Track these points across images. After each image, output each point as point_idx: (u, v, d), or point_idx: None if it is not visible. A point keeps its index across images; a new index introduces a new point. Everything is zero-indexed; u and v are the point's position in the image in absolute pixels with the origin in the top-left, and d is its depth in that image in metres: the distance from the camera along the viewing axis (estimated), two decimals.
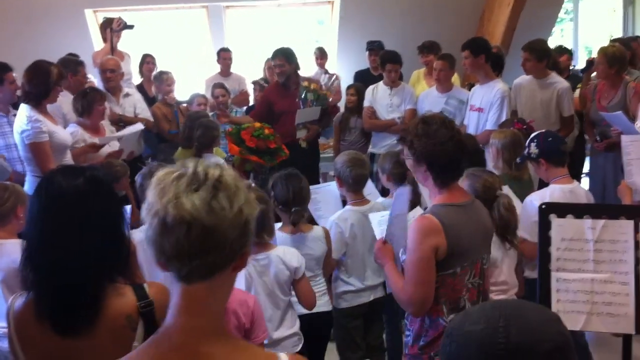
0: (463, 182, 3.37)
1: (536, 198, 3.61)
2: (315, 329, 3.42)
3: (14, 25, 8.27)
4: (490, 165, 4.62)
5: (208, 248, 1.29)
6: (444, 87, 5.99)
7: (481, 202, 2.83)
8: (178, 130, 6.05)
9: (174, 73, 6.76)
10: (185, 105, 6.67)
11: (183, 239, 1.27)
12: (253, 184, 3.15)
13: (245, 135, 5.47)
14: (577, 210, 2.31)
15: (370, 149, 6.34)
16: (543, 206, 2.31)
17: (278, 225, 3.43)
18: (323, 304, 3.49)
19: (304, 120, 6.28)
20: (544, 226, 2.29)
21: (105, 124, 5.38)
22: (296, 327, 3.11)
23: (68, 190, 1.77)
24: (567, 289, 2.32)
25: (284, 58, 6.28)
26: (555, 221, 2.31)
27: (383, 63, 6.35)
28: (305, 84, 6.32)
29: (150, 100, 6.60)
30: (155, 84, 6.51)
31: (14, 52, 7.31)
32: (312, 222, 3.91)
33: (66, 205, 1.77)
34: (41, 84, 4.47)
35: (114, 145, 5.21)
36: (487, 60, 5.52)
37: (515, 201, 3.84)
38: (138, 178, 3.63)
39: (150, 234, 1.30)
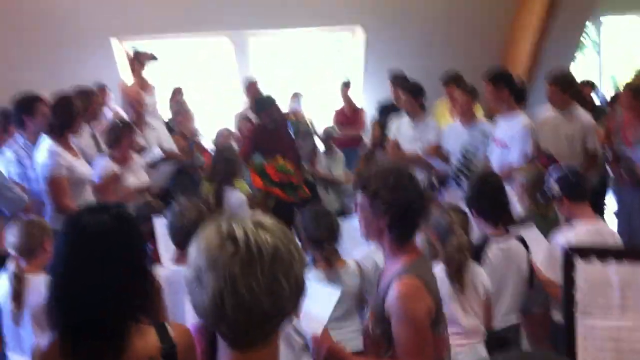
0: None
1: (561, 237, 3.59)
2: None
3: (42, 52, 8.48)
4: (515, 201, 4.60)
5: (267, 325, 1.33)
6: (468, 120, 5.95)
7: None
8: (191, 161, 6.13)
9: (201, 103, 6.86)
10: (199, 138, 6.79)
11: (242, 321, 1.29)
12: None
13: (269, 170, 5.54)
14: (601, 253, 2.28)
15: None
16: (567, 248, 2.28)
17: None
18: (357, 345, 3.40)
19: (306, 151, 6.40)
20: (568, 269, 2.26)
21: (135, 155, 5.43)
22: None
23: (94, 227, 1.79)
24: (593, 336, 2.28)
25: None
26: (579, 264, 2.28)
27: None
28: (292, 117, 6.40)
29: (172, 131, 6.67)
30: (174, 116, 6.57)
31: (42, 79, 7.50)
32: None
33: (91, 242, 1.78)
34: (65, 115, 4.57)
35: (144, 179, 5.27)
36: (510, 91, 5.49)
37: (542, 239, 3.84)
38: (168, 216, 3.62)
39: (200, 303, 1.31)
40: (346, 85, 8.51)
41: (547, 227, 4.00)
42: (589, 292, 2.23)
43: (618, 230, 5.20)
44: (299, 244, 3.00)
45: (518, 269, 3.55)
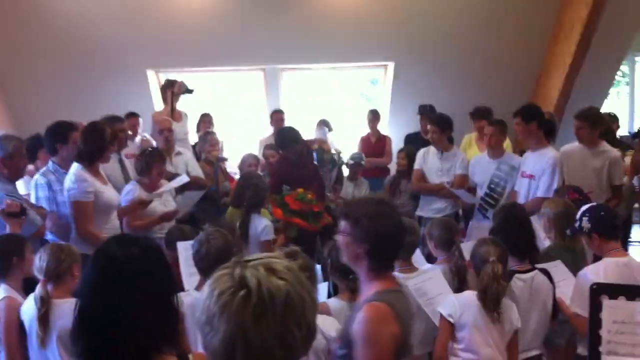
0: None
1: (590, 272, 3.55)
2: None
3: (80, 83, 8.67)
4: (541, 235, 4.56)
5: None
6: (496, 153, 5.95)
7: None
8: (216, 187, 6.17)
9: (229, 132, 6.90)
10: (224, 163, 6.85)
11: None
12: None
13: (288, 200, 5.58)
14: (629, 291, 2.26)
15: (418, 212, 6.31)
16: (594, 286, 2.25)
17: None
18: None
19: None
20: (595, 307, 2.23)
21: (165, 182, 5.46)
22: None
23: (122, 259, 1.81)
24: None
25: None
26: (606, 302, 2.25)
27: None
28: (316, 146, 6.41)
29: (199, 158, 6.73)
30: (200, 143, 6.64)
31: (78, 109, 7.61)
32: None
33: (119, 273, 1.79)
34: (95, 143, 4.66)
35: (170, 205, 5.32)
36: (539, 127, 5.49)
37: (568, 273, 3.81)
38: (195, 244, 3.66)
39: (211, 347, 1.32)
40: (373, 113, 8.48)
41: (574, 260, 3.98)
42: (615, 331, 2.21)
43: None
44: (314, 285, 3.06)
45: (542, 303, 3.52)
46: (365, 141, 8.47)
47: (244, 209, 5.32)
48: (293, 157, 6.31)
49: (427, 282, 3.75)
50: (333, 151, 7.24)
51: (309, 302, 1.35)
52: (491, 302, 3.11)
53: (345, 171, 7.64)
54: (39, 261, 3.41)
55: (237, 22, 8.40)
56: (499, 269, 3.15)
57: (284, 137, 6.44)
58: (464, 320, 3.19)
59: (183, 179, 5.42)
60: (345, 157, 7.72)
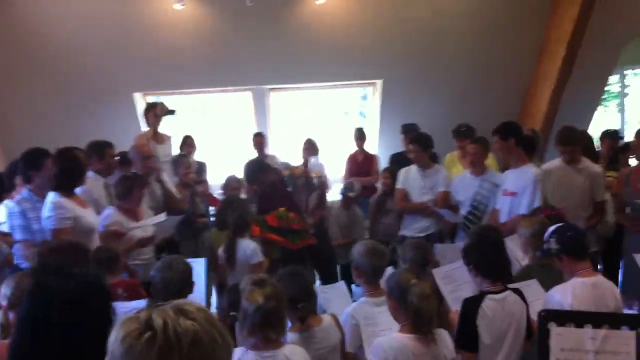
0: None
1: (557, 292, 3.53)
2: None
3: (67, 107, 8.70)
4: (519, 254, 4.53)
5: None
6: (478, 171, 5.92)
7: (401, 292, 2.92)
8: (192, 210, 6.16)
9: (217, 154, 6.86)
10: (206, 184, 6.88)
11: None
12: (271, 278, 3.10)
13: (268, 218, 5.60)
14: (577, 318, 2.22)
15: (401, 231, 6.28)
16: (542, 313, 2.21)
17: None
18: None
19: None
20: (543, 334, 2.19)
21: (145, 209, 5.47)
22: None
23: (56, 292, 1.79)
24: None
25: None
26: (554, 329, 2.21)
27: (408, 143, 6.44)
28: (287, 172, 6.41)
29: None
30: (173, 167, 6.60)
31: (67, 133, 7.67)
32: None
33: (52, 306, 1.78)
34: (68, 169, 4.64)
35: (149, 230, 5.30)
36: (518, 143, 5.46)
37: (542, 293, 3.77)
38: (155, 273, 3.67)
39: None
40: (359, 131, 8.46)
41: (551, 278, 3.92)
42: (564, 359, 2.17)
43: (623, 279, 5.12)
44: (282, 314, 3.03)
45: (516, 324, 3.47)
46: (352, 160, 8.45)
47: (229, 232, 5.31)
48: (264, 188, 6.33)
49: (455, 271, 3.89)
50: (313, 175, 7.19)
51: (219, 342, 1.31)
52: (425, 325, 3.02)
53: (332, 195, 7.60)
54: (3, 289, 3.39)
55: (225, 44, 8.42)
56: (426, 287, 3.09)
57: (250, 171, 6.55)
58: None
59: (160, 217, 5.38)
60: (334, 178, 7.69)
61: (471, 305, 3.46)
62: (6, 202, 5.14)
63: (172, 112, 6.97)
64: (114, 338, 1.29)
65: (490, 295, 3.47)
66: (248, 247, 5.17)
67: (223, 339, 1.33)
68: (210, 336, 1.30)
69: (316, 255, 6.13)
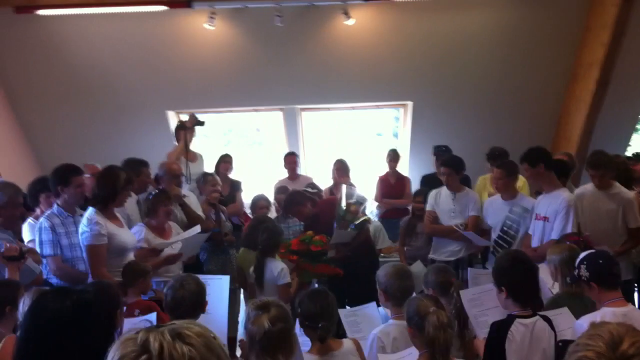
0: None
1: (586, 321, 3.42)
2: None
3: (102, 125, 8.90)
4: (549, 281, 4.44)
5: None
6: (509, 195, 5.84)
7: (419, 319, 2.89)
8: (219, 229, 6.19)
9: (249, 173, 6.83)
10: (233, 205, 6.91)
11: None
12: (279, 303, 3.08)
13: (293, 241, 5.68)
14: None
15: (431, 255, 6.21)
16: (560, 343, 2.15)
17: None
18: None
19: (338, 241, 6.30)
20: None
21: (173, 225, 5.51)
22: None
23: (52, 313, 1.81)
24: None
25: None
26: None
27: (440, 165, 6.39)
28: (342, 208, 6.38)
29: (222, 201, 6.74)
30: (200, 185, 6.60)
31: (101, 151, 7.85)
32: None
33: (47, 325, 1.80)
34: (109, 188, 4.72)
35: (176, 247, 5.33)
36: (548, 168, 5.37)
37: (573, 321, 3.67)
38: (168, 291, 3.69)
39: None
40: (393, 152, 8.36)
41: (582, 307, 3.82)
42: None
43: None
44: (290, 335, 2.99)
45: (543, 351, 3.38)
46: (383, 181, 8.36)
47: (258, 253, 5.32)
48: (302, 219, 6.42)
49: (484, 294, 3.83)
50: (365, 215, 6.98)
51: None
52: (441, 355, 2.94)
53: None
54: (21, 306, 3.43)
55: (255, 63, 8.50)
56: (443, 317, 3.02)
57: (288, 203, 6.58)
58: None
59: (195, 229, 5.42)
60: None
61: (500, 329, 3.39)
62: (30, 220, 5.24)
63: (201, 123, 7.04)
64: (111, 354, 1.28)
65: (519, 320, 3.40)
66: (276, 268, 5.18)
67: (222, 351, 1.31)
68: (206, 355, 1.27)
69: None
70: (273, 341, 2.80)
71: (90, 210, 4.66)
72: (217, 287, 4.26)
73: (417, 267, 5.81)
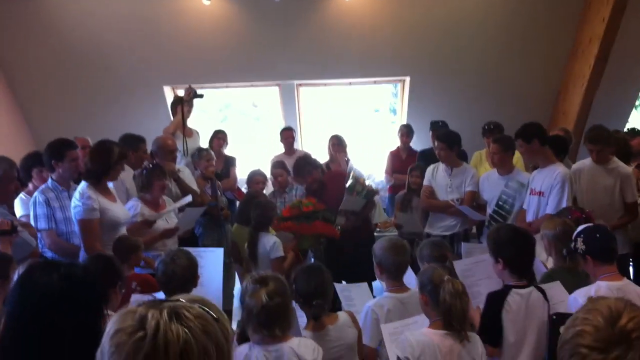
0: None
1: (580, 295, 3.43)
2: None
3: (95, 100, 8.82)
4: (542, 255, 4.44)
5: None
6: (505, 170, 5.83)
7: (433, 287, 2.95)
8: (215, 203, 6.20)
9: (244, 148, 6.83)
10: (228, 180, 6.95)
11: None
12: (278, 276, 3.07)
13: (284, 210, 5.76)
14: None
15: (427, 229, 6.21)
16: (554, 317, 2.13)
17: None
18: None
19: (347, 207, 6.27)
20: (554, 338, 2.11)
21: (167, 200, 5.50)
22: None
23: (41, 286, 1.79)
24: None
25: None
26: None
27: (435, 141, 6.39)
28: (352, 180, 6.36)
29: (217, 175, 6.75)
30: (194, 160, 6.61)
31: (96, 126, 7.81)
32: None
33: (36, 299, 1.78)
34: (102, 162, 4.68)
35: (172, 222, 5.33)
36: (542, 144, 5.35)
37: (566, 295, 3.68)
38: (158, 265, 3.69)
39: None
40: (406, 127, 8.27)
41: (576, 283, 3.82)
42: None
43: None
44: (287, 312, 2.99)
45: (538, 320, 3.40)
46: (395, 156, 8.25)
47: (251, 228, 5.32)
48: (313, 184, 6.39)
49: (476, 265, 3.89)
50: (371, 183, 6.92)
51: (212, 355, 1.26)
52: (458, 322, 2.96)
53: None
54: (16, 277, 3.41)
55: (252, 39, 8.42)
56: (458, 285, 3.04)
57: (300, 166, 6.58)
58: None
59: (186, 199, 5.42)
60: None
61: (497, 299, 3.43)
62: (22, 195, 5.22)
63: (200, 95, 7.05)
64: (108, 329, 1.26)
65: (515, 290, 3.42)
66: (269, 242, 5.18)
67: (218, 352, 1.28)
68: (202, 347, 1.24)
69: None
70: (270, 315, 2.82)
71: (82, 184, 4.63)
72: (212, 259, 4.26)
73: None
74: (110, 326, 1.26)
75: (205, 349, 1.24)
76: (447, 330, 2.99)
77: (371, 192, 6.33)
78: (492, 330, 3.39)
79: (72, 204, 4.59)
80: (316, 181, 6.51)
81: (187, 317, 1.26)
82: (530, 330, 3.38)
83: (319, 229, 5.85)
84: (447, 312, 2.97)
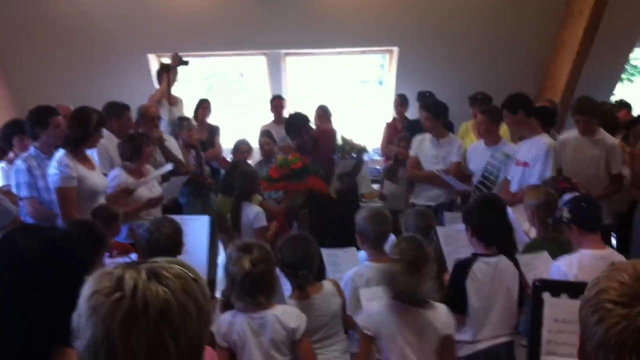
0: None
1: (564, 263, 3.46)
2: None
3: (80, 68, 8.68)
4: (525, 225, 4.46)
5: None
6: (491, 141, 5.83)
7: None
8: (200, 171, 6.18)
9: (230, 118, 6.78)
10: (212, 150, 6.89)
11: None
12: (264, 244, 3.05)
13: (271, 171, 5.68)
14: (572, 289, 2.13)
15: (412, 199, 6.21)
16: (537, 283, 2.13)
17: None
18: None
19: (342, 171, 6.26)
20: (537, 304, 2.11)
21: (149, 168, 5.43)
22: None
23: (20, 250, 1.75)
24: None
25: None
26: (548, 300, 2.14)
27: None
28: (340, 141, 6.31)
29: (202, 144, 6.69)
30: (176, 129, 6.52)
31: (79, 95, 7.63)
32: None
33: (16, 263, 1.75)
34: (80, 129, 4.59)
35: (156, 191, 5.29)
36: (528, 115, 5.33)
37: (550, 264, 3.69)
38: (143, 232, 3.66)
39: (79, 350, 1.21)
40: (400, 98, 8.18)
41: (560, 252, 3.84)
42: (557, 330, 2.10)
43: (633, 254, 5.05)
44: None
45: (507, 289, 3.44)
46: (391, 127, 8.16)
47: (234, 198, 5.29)
48: (306, 142, 6.22)
49: (458, 233, 3.88)
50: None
51: (193, 314, 1.23)
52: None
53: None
54: None
55: (239, 7, 8.32)
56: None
57: (292, 122, 6.37)
58: (381, 331, 3.01)
59: (167, 167, 5.38)
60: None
61: (462, 267, 3.46)
62: (2, 164, 5.15)
63: (185, 62, 6.96)
64: (85, 292, 1.23)
65: (482, 258, 3.44)
66: (252, 212, 5.16)
67: (199, 311, 1.25)
68: (182, 307, 1.21)
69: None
70: (254, 282, 2.82)
71: (60, 151, 4.54)
72: (197, 226, 4.22)
73: None
74: (86, 289, 1.23)
75: (185, 308, 1.22)
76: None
77: (361, 150, 6.32)
78: (456, 297, 3.42)
79: (50, 172, 4.51)
80: (309, 137, 6.38)
81: (166, 276, 1.23)
82: (498, 298, 3.41)
83: (313, 184, 5.79)
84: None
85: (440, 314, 3.03)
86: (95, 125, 4.66)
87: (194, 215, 5.47)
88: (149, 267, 1.24)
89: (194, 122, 6.68)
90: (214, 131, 7.34)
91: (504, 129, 6.23)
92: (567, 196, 3.78)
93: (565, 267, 3.41)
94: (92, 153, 5.22)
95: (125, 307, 1.16)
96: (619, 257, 3.57)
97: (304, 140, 6.26)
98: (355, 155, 6.35)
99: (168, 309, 1.19)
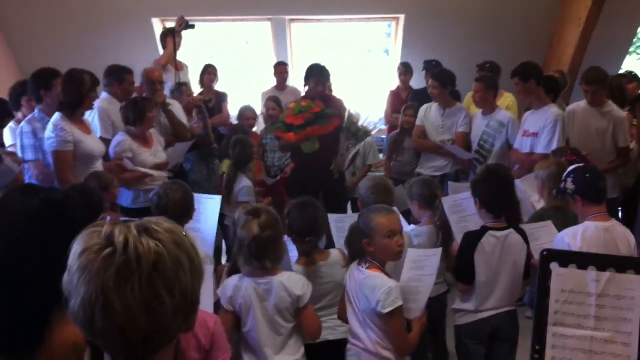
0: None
1: (568, 234, 3.46)
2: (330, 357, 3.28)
3: (82, 33, 8.59)
4: (533, 196, 4.45)
5: (147, 344, 1.20)
6: (487, 109, 5.82)
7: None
8: (205, 132, 6.18)
9: (235, 84, 6.70)
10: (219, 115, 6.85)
11: (117, 339, 1.18)
12: (270, 208, 3.05)
13: (289, 120, 5.45)
14: (580, 259, 2.12)
15: (418, 169, 6.18)
16: (544, 252, 2.12)
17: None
18: (344, 332, 3.30)
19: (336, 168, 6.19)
20: (544, 275, 2.11)
21: (153, 132, 5.38)
22: (299, 354, 2.98)
23: (20, 210, 1.75)
24: (563, 345, 2.13)
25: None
26: (556, 270, 2.13)
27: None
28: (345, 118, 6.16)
29: (209, 110, 6.65)
30: (175, 95, 6.40)
31: (81, 59, 7.51)
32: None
33: (16, 223, 1.74)
34: (74, 92, 4.54)
35: (161, 156, 5.26)
36: (538, 84, 5.30)
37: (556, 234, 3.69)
38: (154, 197, 3.64)
39: (72, 310, 1.20)
40: (404, 66, 8.11)
41: (565, 221, 3.86)
42: (564, 300, 2.09)
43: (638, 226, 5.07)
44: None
45: (513, 262, 3.43)
46: (395, 96, 8.12)
47: (232, 165, 5.28)
48: (314, 91, 5.88)
49: (464, 201, 3.89)
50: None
51: (186, 267, 1.23)
52: None
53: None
54: None
55: None
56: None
57: (319, 68, 5.94)
58: None
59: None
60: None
61: (471, 239, 3.44)
62: (11, 123, 5.12)
63: (191, 26, 6.88)
64: (74, 250, 1.22)
65: (491, 232, 3.42)
66: (239, 184, 5.18)
67: (191, 265, 1.25)
68: (174, 260, 1.21)
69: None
70: (261, 246, 2.82)
71: (56, 115, 4.51)
72: (209, 205, 4.23)
73: None
74: (75, 247, 1.22)
75: (178, 261, 1.21)
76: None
77: (365, 133, 6.23)
78: (464, 268, 3.44)
79: (46, 135, 4.49)
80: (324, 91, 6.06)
81: (157, 230, 1.23)
82: (504, 271, 3.40)
83: (330, 127, 5.58)
84: None
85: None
86: (90, 87, 4.61)
87: (198, 184, 5.52)
88: (138, 223, 1.24)
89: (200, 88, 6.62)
90: (221, 97, 7.27)
91: (511, 101, 6.19)
92: (570, 167, 3.74)
93: (569, 238, 3.40)
94: (94, 117, 5.21)
95: (117, 262, 1.15)
96: (622, 229, 3.55)
97: (318, 91, 5.88)
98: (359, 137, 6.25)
99: (160, 261, 1.18)
